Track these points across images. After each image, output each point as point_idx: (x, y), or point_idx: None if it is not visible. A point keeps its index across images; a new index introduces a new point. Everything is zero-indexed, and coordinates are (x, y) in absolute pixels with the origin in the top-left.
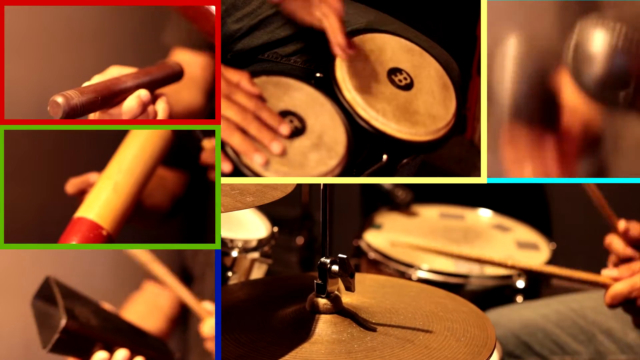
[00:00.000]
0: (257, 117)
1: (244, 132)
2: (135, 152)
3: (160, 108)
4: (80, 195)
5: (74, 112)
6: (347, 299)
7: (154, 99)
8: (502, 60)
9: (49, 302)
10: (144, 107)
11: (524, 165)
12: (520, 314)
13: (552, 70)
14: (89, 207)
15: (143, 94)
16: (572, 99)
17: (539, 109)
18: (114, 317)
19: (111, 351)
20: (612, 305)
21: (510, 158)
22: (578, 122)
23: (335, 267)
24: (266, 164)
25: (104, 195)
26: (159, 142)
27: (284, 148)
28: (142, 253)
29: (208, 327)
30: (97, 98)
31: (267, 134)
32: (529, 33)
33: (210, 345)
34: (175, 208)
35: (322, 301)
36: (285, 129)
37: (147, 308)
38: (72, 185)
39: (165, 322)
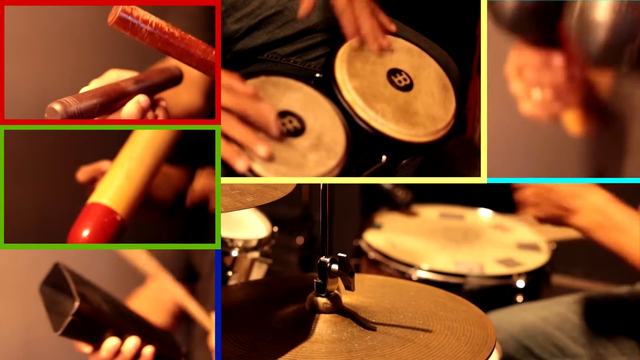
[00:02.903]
0: (242, 120)
1: (228, 137)
2: (146, 142)
3: (160, 113)
4: (91, 183)
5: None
6: (346, 298)
7: (153, 104)
8: None
9: (59, 288)
10: (144, 112)
11: (532, 98)
12: (520, 317)
13: None
14: (102, 192)
15: (142, 99)
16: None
17: (544, 20)
18: (123, 306)
19: (122, 338)
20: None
21: (518, 92)
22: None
23: (335, 266)
24: (248, 169)
25: (116, 182)
26: (167, 135)
27: (270, 151)
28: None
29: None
30: (95, 105)
31: (251, 137)
32: None
33: None
34: (178, 203)
35: (322, 300)
36: (274, 129)
37: (151, 304)
38: (83, 173)
39: (170, 318)
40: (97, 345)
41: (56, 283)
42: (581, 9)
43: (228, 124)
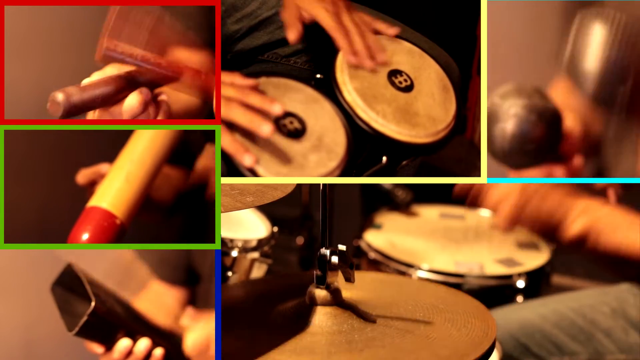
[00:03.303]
0: (243, 104)
1: (233, 131)
2: (146, 144)
3: (161, 106)
4: (91, 186)
5: (75, 110)
6: (346, 293)
7: (153, 98)
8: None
9: (72, 288)
10: (146, 105)
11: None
12: (518, 315)
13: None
14: (101, 196)
15: (144, 91)
16: (570, 102)
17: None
18: (133, 308)
19: (134, 339)
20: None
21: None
22: (578, 125)
23: (334, 259)
24: (256, 163)
25: (116, 185)
26: (168, 136)
27: (273, 130)
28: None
29: (190, 342)
30: (97, 96)
31: (254, 118)
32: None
33: None
34: (178, 204)
35: (322, 293)
36: (277, 107)
37: (153, 307)
38: (83, 175)
39: (171, 321)
40: (109, 346)
41: (69, 283)
42: (570, 57)
43: (230, 111)
